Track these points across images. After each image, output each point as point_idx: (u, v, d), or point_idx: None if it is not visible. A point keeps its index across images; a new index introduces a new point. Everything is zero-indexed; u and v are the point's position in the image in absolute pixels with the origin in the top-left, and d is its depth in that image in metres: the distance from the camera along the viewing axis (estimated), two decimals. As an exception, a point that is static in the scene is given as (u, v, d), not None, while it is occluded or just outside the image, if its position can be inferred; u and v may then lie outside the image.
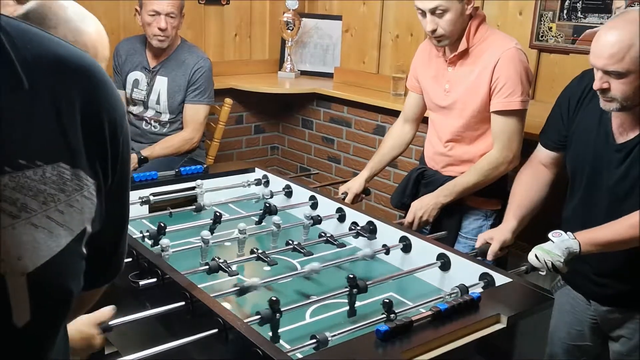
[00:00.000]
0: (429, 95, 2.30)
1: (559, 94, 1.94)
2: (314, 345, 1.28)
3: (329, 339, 1.28)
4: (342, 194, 2.35)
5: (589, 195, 1.81)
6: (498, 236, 1.85)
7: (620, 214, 1.67)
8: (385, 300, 1.39)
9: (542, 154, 1.98)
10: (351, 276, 1.50)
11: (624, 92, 1.61)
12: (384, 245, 1.82)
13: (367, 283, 1.52)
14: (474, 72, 2.12)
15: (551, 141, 1.95)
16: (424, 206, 2.10)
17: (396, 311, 1.38)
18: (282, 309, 1.37)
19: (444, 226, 2.16)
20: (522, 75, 2.06)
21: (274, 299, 1.36)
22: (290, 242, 1.78)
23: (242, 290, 1.48)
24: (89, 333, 1.29)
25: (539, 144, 1.99)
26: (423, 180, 2.29)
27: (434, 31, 2.07)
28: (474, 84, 2.11)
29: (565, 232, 1.65)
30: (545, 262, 1.62)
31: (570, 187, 1.90)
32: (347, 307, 1.53)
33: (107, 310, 1.32)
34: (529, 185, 1.95)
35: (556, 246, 1.63)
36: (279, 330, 1.43)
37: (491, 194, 2.20)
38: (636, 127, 1.69)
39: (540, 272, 1.65)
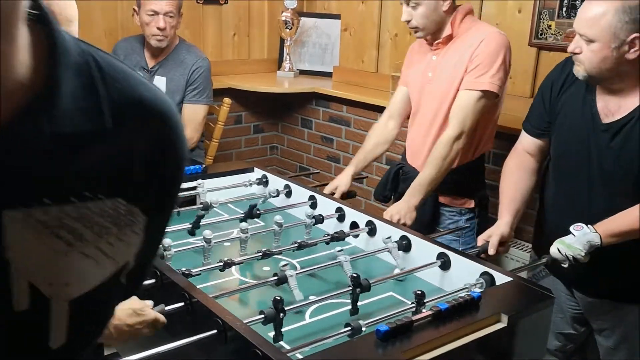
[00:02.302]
0: (413, 84, 2.32)
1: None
2: (348, 333, 1.30)
3: (363, 328, 1.31)
4: (331, 192, 2.33)
5: (577, 177, 1.82)
6: (496, 231, 1.87)
7: (615, 194, 1.72)
8: (418, 291, 1.42)
9: (527, 142, 1.99)
10: (354, 275, 1.50)
11: (590, 60, 1.67)
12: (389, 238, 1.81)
13: (370, 282, 1.52)
14: (455, 58, 2.13)
15: (534, 127, 1.97)
16: (399, 212, 2.06)
17: (396, 311, 1.38)
18: (285, 309, 1.37)
19: (420, 224, 2.13)
20: (499, 57, 2.06)
21: (278, 298, 1.36)
22: (261, 250, 1.72)
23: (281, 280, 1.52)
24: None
25: (522, 130, 2.01)
26: (402, 176, 2.32)
27: (408, 22, 2.15)
28: (455, 70, 2.13)
29: (586, 225, 1.69)
30: (567, 256, 1.67)
31: (554, 172, 1.92)
32: (347, 308, 1.53)
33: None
34: (517, 177, 1.97)
35: (577, 240, 1.67)
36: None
37: (462, 193, 2.22)
38: (620, 109, 1.73)
39: (562, 265, 1.71)
